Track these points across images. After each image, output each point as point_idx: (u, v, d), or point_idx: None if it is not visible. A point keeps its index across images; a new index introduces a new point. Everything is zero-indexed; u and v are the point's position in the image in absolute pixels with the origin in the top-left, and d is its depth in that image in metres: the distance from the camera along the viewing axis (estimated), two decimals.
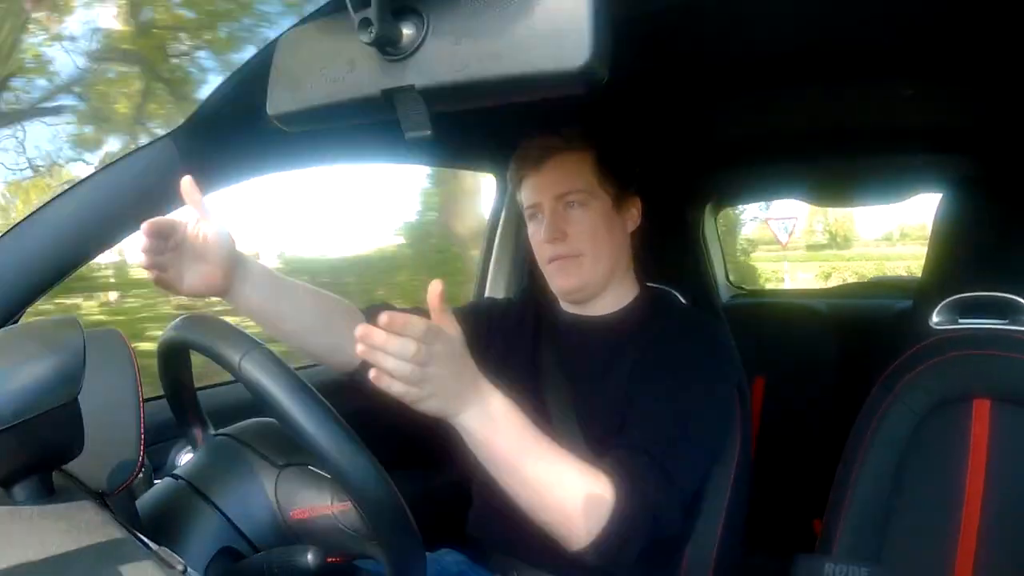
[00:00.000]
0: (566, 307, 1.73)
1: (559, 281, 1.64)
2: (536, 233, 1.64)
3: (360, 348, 1.09)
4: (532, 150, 1.62)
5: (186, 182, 1.30)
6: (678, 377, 1.50)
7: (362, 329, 1.08)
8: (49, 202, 1.22)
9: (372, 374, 1.10)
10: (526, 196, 1.65)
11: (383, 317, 1.08)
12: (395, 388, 1.11)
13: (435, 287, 1.17)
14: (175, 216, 1.29)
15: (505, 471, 1.27)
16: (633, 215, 1.68)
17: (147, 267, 1.29)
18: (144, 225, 1.24)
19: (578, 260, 1.60)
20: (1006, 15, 1.36)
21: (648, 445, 1.39)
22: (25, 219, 1.20)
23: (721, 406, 1.56)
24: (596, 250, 1.60)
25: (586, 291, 1.65)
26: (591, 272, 1.61)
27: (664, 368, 1.51)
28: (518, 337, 1.74)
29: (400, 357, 1.09)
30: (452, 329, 1.18)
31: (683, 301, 1.91)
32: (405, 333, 1.08)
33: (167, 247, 1.28)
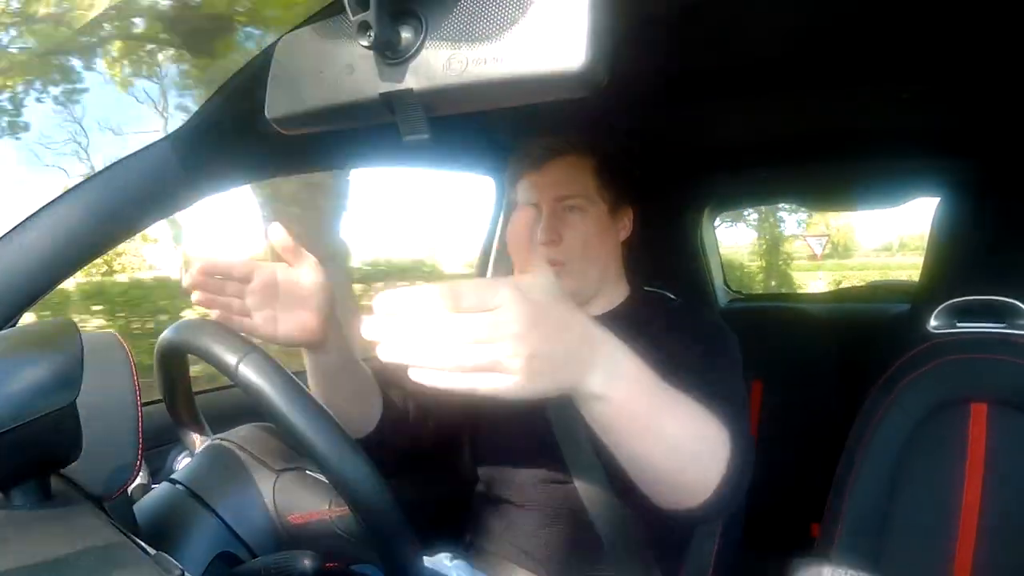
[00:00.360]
0: None
1: None
2: None
3: (380, 350, 0.80)
4: (534, 149, 1.61)
5: (277, 231, 1.20)
6: (698, 358, 1.43)
7: (370, 322, 0.80)
8: (48, 205, 1.22)
9: (414, 373, 0.80)
10: (523, 195, 1.63)
11: (382, 299, 0.80)
12: (460, 382, 0.79)
13: (524, 215, 0.90)
14: (251, 260, 1.22)
15: (641, 437, 1.02)
16: (626, 224, 1.68)
17: (204, 304, 1.21)
18: (199, 263, 1.18)
19: (568, 267, 1.58)
20: (1002, 18, 1.36)
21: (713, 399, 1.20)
22: (23, 221, 1.20)
23: (739, 376, 1.50)
24: (586, 259, 1.60)
25: (574, 298, 1.63)
26: (578, 281, 1.61)
27: (682, 356, 1.44)
28: None
29: (445, 339, 0.78)
30: (540, 276, 0.90)
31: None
32: (441, 306, 0.79)
33: (245, 290, 1.22)
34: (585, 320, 0.93)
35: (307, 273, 1.25)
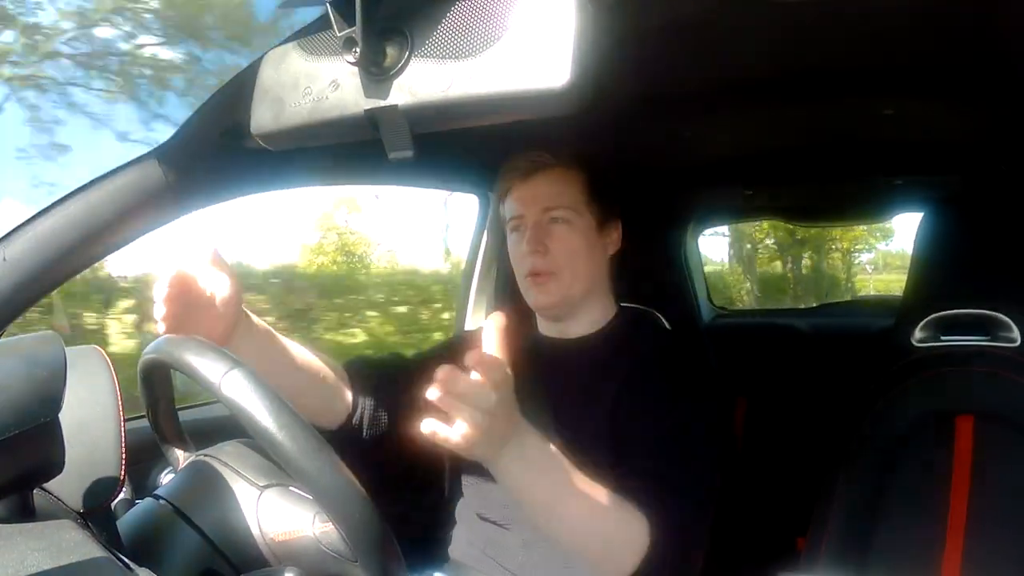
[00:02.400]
0: (544, 329, 1.73)
1: (535, 297, 1.63)
2: (517, 245, 1.63)
3: (435, 395, 1.06)
4: (521, 162, 1.62)
5: (207, 246, 1.29)
6: (671, 399, 1.49)
7: (445, 372, 1.05)
8: (32, 218, 1.21)
9: (427, 429, 1.08)
10: (510, 208, 1.64)
11: (472, 356, 1.07)
12: (455, 440, 1.07)
13: (497, 319, 1.17)
14: (181, 268, 1.26)
15: (543, 512, 1.26)
16: (614, 239, 1.67)
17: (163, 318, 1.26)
18: (165, 290, 1.23)
19: (555, 277, 1.58)
20: (986, 35, 1.37)
21: (661, 470, 1.38)
22: (6, 235, 1.19)
23: (715, 422, 1.56)
24: (574, 269, 1.59)
25: (561, 308, 1.65)
26: (568, 290, 1.60)
27: (655, 392, 1.51)
28: None
29: (477, 406, 1.06)
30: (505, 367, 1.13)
31: (664, 321, 1.91)
32: (488, 378, 1.07)
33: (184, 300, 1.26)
34: (516, 411, 1.17)
35: (221, 280, 1.30)
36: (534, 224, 1.59)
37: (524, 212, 1.61)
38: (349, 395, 1.59)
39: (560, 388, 1.62)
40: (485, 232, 2.58)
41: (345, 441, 1.52)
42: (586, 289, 1.63)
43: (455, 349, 1.81)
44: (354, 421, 1.59)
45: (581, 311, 1.67)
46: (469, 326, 2.60)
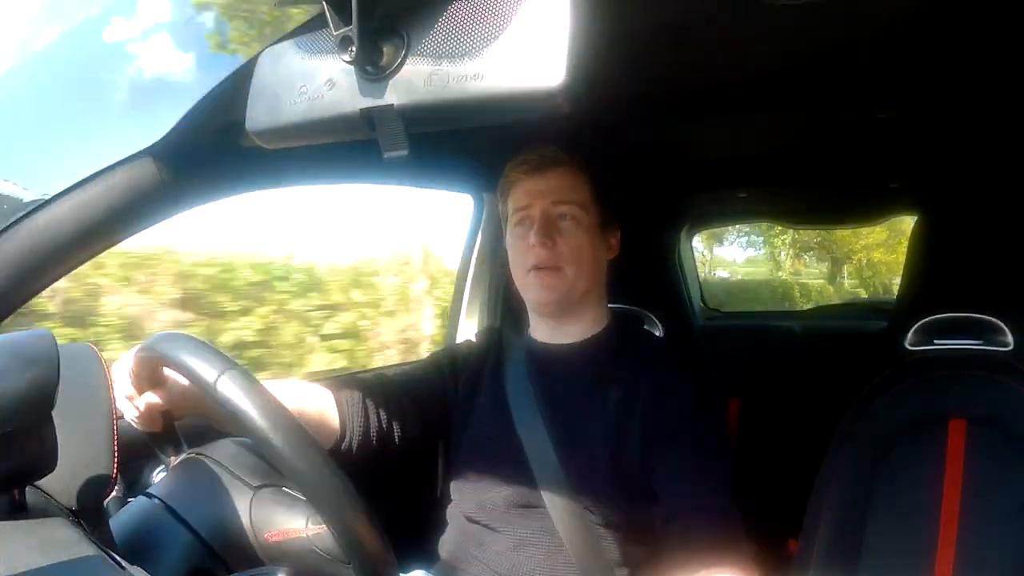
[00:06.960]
0: (537, 334, 1.73)
1: (537, 291, 1.61)
2: (522, 238, 1.61)
3: None
4: (530, 156, 1.60)
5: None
6: (691, 415, 1.52)
7: None
8: (25, 215, 1.21)
9: None
10: (518, 199, 1.62)
11: None
12: None
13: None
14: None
15: None
16: (612, 244, 1.68)
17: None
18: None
19: (560, 272, 1.57)
20: (978, 40, 1.38)
21: (713, 499, 1.44)
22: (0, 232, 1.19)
23: (725, 427, 1.58)
24: (579, 267, 1.58)
25: (562, 305, 1.63)
26: (570, 287, 1.59)
27: (671, 408, 1.52)
28: (481, 374, 1.73)
29: None
30: None
31: (655, 320, 1.91)
32: None
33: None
34: None
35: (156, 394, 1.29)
36: (543, 216, 1.57)
37: (532, 202, 1.59)
38: (337, 421, 1.58)
39: (556, 392, 1.61)
40: (480, 233, 2.57)
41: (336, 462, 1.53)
42: (586, 289, 1.62)
43: (442, 365, 1.78)
44: (343, 447, 1.58)
45: (578, 313, 1.66)
46: (462, 332, 2.59)
